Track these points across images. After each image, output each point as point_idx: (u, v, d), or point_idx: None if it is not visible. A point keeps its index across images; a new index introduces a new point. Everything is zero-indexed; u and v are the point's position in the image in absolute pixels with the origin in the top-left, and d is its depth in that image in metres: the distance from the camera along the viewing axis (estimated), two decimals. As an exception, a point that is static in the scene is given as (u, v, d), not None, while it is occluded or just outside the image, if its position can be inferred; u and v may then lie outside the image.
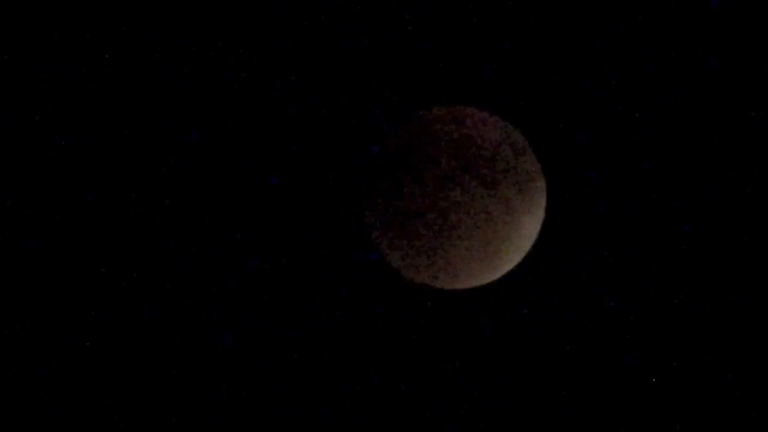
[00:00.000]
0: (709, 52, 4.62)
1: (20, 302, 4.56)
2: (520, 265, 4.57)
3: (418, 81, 4.60)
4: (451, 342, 4.70)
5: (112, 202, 4.58)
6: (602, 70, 4.63)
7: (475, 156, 4.37)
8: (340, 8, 4.58)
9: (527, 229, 4.50)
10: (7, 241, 4.54)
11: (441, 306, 4.65)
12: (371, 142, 4.50)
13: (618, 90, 4.64)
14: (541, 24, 4.61)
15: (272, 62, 4.59)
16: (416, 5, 4.59)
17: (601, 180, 4.67)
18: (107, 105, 4.56)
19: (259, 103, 4.59)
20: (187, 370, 4.62)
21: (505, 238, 4.42)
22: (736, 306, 4.68)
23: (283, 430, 4.64)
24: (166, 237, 4.60)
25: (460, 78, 4.60)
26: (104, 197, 4.59)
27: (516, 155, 4.45)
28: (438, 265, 4.43)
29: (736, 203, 4.66)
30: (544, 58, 4.61)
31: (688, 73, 4.64)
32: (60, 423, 4.57)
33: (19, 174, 4.54)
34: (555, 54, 4.62)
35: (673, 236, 4.69)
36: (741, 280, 4.67)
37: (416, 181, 4.35)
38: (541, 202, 4.52)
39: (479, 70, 4.61)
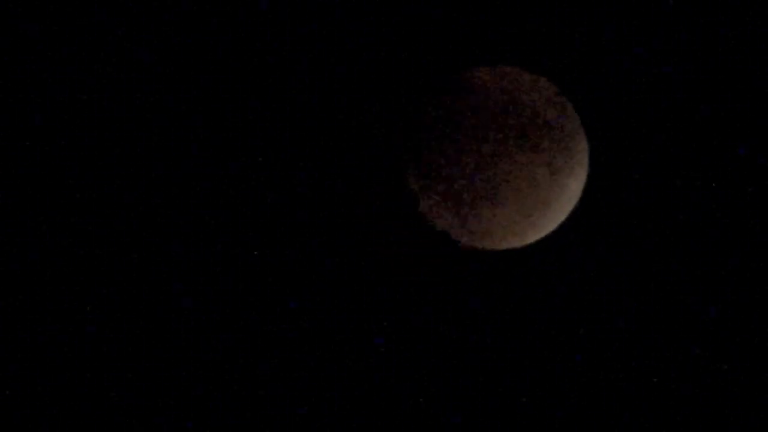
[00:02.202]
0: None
1: (20, 302, 4.57)
2: (563, 226, 4.55)
3: (460, 41, 4.57)
4: (494, 302, 4.70)
5: (141, 194, 4.60)
6: (647, 30, 4.58)
7: (518, 116, 4.35)
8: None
9: (570, 189, 4.47)
10: (7, 240, 4.55)
11: (484, 267, 4.66)
12: (413, 106, 4.48)
13: (663, 49, 4.59)
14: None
15: (313, 22, 4.58)
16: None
17: (646, 140, 4.63)
18: (116, 104, 4.57)
19: (298, 68, 4.59)
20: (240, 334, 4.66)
21: (548, 199, 4.40)
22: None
23: (329, 381, 4.67)
24: (206, 206, 4.62)
25: (501, 38, 4.57)
26: (130, 191, 4.60)
27: (559, 115, 4.42)
28: (481, 227, 4.42)
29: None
30: (588, 17, 4.57)
31: (742, 34, 4.58)
32: (60, 423, 4.59)
33: (18, 174, 4.55)
34: (599, 13, 4.57)
35: (722, 200, 4.65)
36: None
37: (459, 143, 4.34)
38: (584, 162, 4.49)
39: (522, 29, 4.57)
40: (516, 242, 4.52)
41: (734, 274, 4.68)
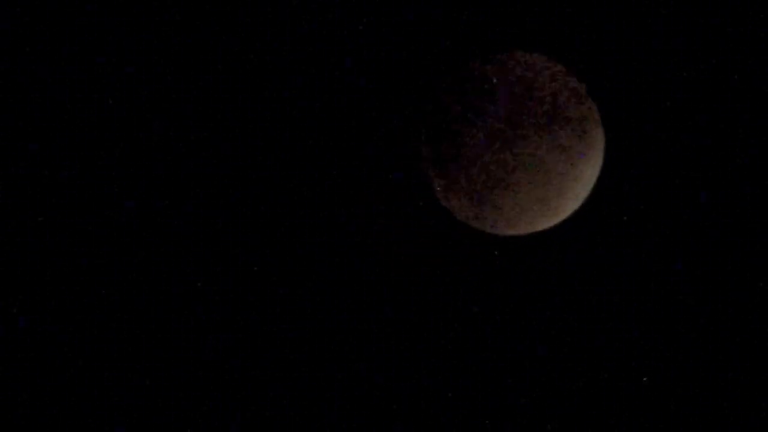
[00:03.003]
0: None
1: (20, 302, 4.59)
2: (577, 213, 4.56)
3: (478, 28, 4.56)
4: (507, 287, 4.71)
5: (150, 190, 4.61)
6: (666, 17, 4.56)
7: (534, 103, 4.35)
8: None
9: (585, 176, 4.47)
10: (7, 240, 4.56)
11: (498, 252, 4.66)
12: (428, 89, 4.49)
13: (682, 38, 4.57)
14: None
15: (331, 7, 4.58)
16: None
17: (662, 129, 4.61)
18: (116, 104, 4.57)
19: (314, 56, 4.59)
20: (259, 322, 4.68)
21: (563, 186, 4.41)
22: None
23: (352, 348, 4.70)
24: (218, 194, 4.63)
25: (518, 25, 4.56)
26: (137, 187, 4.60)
27: (574, 101, 4.41)
28: (494, 212, 4.43)
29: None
30: (606, 4, 4.55)
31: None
32: (59, 423, 4.62)
33: (18, 173, 4.56)
34: (618, 1, 4.56)
35: (738, 189, 4.63)
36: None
37: (473, 127, 4.35)
38: (600, 149, 4.49)
39: (539, 16, 4.56)
40: (531, 228, 4.54)
41: (754, 258, 4.67)
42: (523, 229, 4.54)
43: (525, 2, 4.55)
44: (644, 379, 4.71)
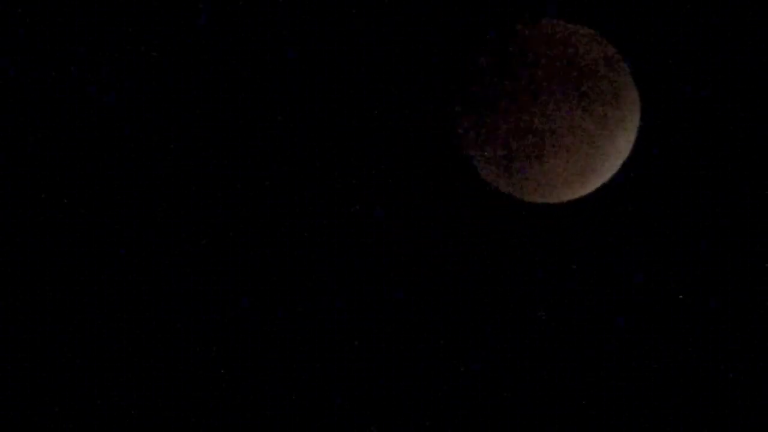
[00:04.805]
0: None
1: (20, 302, 4.60)
2: (613, 180, 4.55)
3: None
4: (545, 255, 4.72)
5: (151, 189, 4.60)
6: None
7: (568, 71, 4.33)
8: None
9: (620, 144, 4.46)
10: (7, 240, 4.57)
11: (534, 220, 4.67)
12: (465, 59, 4.48)
13: (717, 2, 4.53)
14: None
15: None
16: None
17: (697, 95, 4.58)
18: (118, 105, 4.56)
19: (352, 16, 4.59)
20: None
21: (598, 153, 4.40)
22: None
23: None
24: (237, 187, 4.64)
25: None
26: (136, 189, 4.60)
27: (609, 68, 4.39)
28: (531, 181, 4.43)
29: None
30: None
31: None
32: (60, 423, 4.64)
33: (18, 173, 4.58)
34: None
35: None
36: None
37: (509, 96, 4.34)
38: (635, 115, 4.47)
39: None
40: (566, 196, 4.53)
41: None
42: (558, 197, 4.54)
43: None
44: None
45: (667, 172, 4.64)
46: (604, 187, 4.57)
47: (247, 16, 4.58)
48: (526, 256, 4.72)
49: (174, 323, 4.66)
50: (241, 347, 4.70)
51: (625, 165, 4.54)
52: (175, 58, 4.56)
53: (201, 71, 4.57)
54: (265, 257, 4.70)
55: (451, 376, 4.76)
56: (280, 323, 4.71)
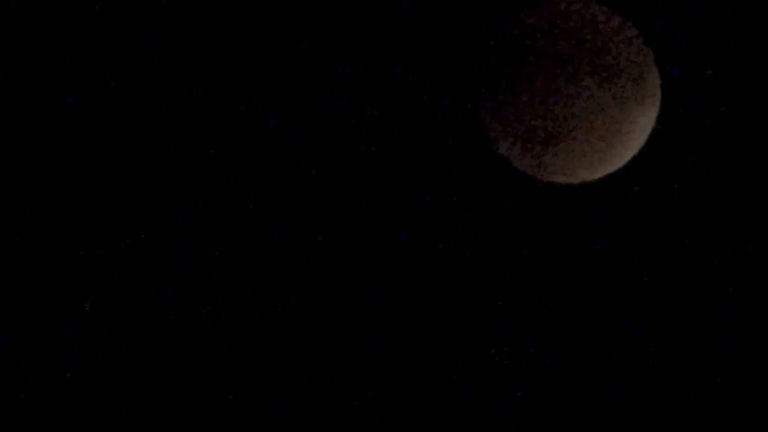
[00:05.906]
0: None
1: (19, 301, 4.61)
2: (634, 159, 4.54)
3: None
4: (566, 236, 4.72)
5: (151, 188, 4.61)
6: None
7: (589, 50, 4.34)
8: None
9: (641, 123, 4.46)
10: (7, 240, 4.58)
11: (555, 200, 4.67)
12: (484, 37, 4.50)
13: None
14: None
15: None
16: None
17: (719, 74, 4.58)
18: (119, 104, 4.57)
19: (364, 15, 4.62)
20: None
21: (619, 132, 4.40)
22: None
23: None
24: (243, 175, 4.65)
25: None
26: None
27: (629, 47, 4.40)
28: (552, 161, 4.44)
29: None
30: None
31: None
32: (60, 423, 4.64)
33: (18, 173, 4.59)
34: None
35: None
36: None
37: (530, 78, 4.35)
38: (656, 95, 4.47)
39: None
40: (586, 176, 4.53)
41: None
42: (579, 177, 4.53)
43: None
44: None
45: (687, 153, 4.63)
46: (625, 168, 4.56)
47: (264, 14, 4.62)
48: (550, 237, 4.71)
49: (174, 323, 4.66)
50: (241, 347, 4.70)
51: (645, 145, 4.53)
52: (176, 58, 4.59)
53: (218, 71, 4.60)
54: (281, 248, 4.71)
55: (476, 363, 4.75)
56: (294, 317, 4.72)
